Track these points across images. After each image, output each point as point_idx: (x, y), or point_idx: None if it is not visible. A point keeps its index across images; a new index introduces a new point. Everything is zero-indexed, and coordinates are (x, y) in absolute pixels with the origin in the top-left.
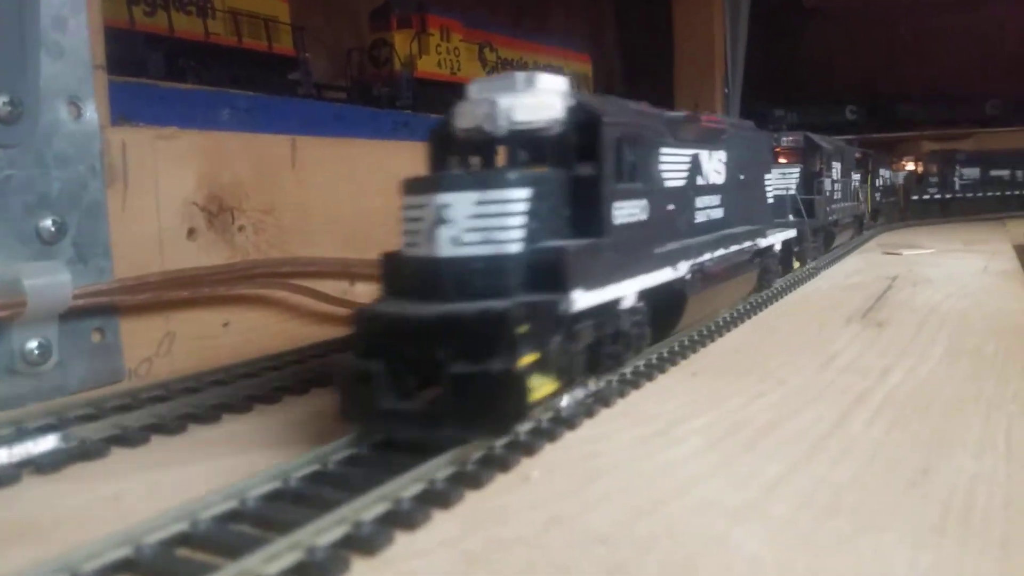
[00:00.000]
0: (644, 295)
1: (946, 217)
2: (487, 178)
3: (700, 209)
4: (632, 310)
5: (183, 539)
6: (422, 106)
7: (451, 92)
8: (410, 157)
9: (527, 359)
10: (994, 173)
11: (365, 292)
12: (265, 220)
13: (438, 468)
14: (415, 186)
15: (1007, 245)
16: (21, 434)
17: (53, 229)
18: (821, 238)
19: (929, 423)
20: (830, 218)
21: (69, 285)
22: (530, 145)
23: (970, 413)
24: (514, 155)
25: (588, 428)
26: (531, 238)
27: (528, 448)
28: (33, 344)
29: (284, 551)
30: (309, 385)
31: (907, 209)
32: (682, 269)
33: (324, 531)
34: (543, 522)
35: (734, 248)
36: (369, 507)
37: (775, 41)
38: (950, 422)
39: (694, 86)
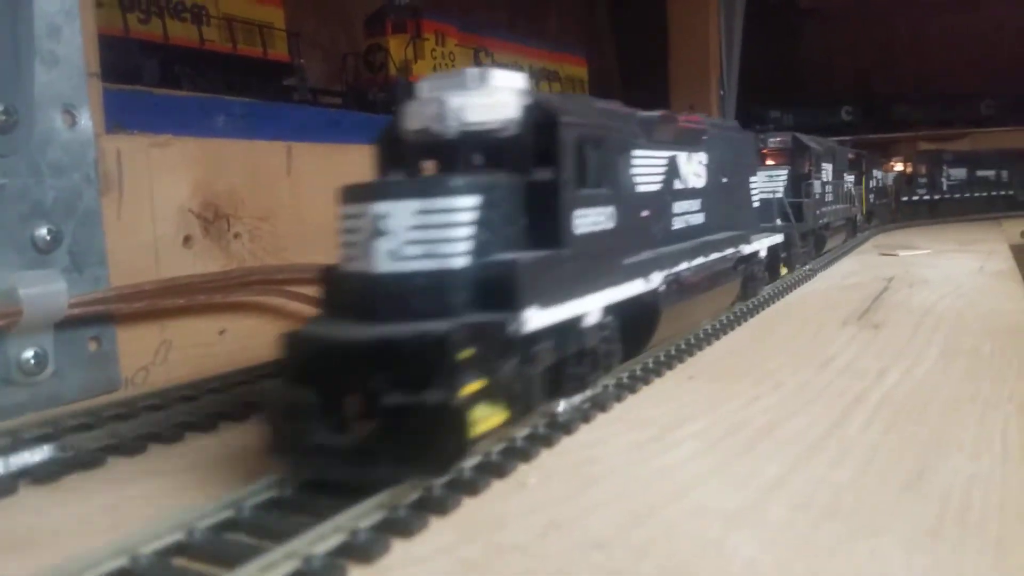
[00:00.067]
0: (612, 310)
1: (934, 218)
2: (429, 185)
3: (678, 215)
4: (599, 326)
5: (180, 549)
6: None
7: None
8: None
9: (471, 388)
10: (980, 174)
11: None
12: (261, 227)
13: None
14: (352, 194)
15: (1003, 245)
16: (17, 444)
17: (48, 238)
18: (811, 242)
19: (926, 424)
20: (820, 221)
21: (65, 294)
22: (483, 148)
23: (966, 414)
24: (466, 159)
25: (585, 433)
26: (480, 251)
27: (525, 454)
28: (29, 353)
29: (281, 560)
30: None
31: (898, 211)
32: (655, 280)
33: (321, 540)
34: (541, 528)
35: (714, 256)
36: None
37: (771, 42)
38: (947, 423)
39: (690, 88)
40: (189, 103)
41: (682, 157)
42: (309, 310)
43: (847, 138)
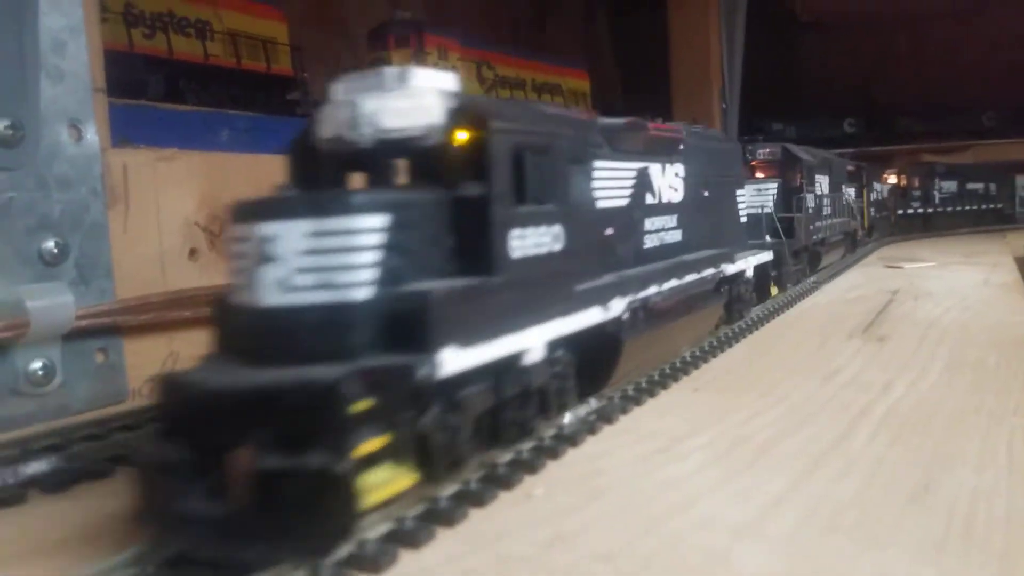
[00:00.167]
0: (563, 343)
1: (928, 232)
2: (324, 202)
3: (650, 232)
4: (548, 362)
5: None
6: None
7: None
8: None
9: (366, 447)
10: (970, 187)
11: None
12: None
13: None
14: (240, 212)
15: (1008, 257)
16: (26, 454)
17: (55, 251)
18: (805, 259)
19: (930, 437)
20: (814, 237)
21: (72, 306)
22: (403, 158)
23: (971, 427)
24: (384, 171)
25: (591, 445)
26: (389, 280)
27: (531, 466)
28: (37, 365)
29: (290, 570)
30: None
31: (896, 224)
32: (616, 308)
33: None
34: (546, 540)
35: (692, 277)
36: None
37: (773, 55)
38: (952, 436)
39: (692, 101)
40: (194, 117)
41: (655, 169)
42: None
43: (850, 150)
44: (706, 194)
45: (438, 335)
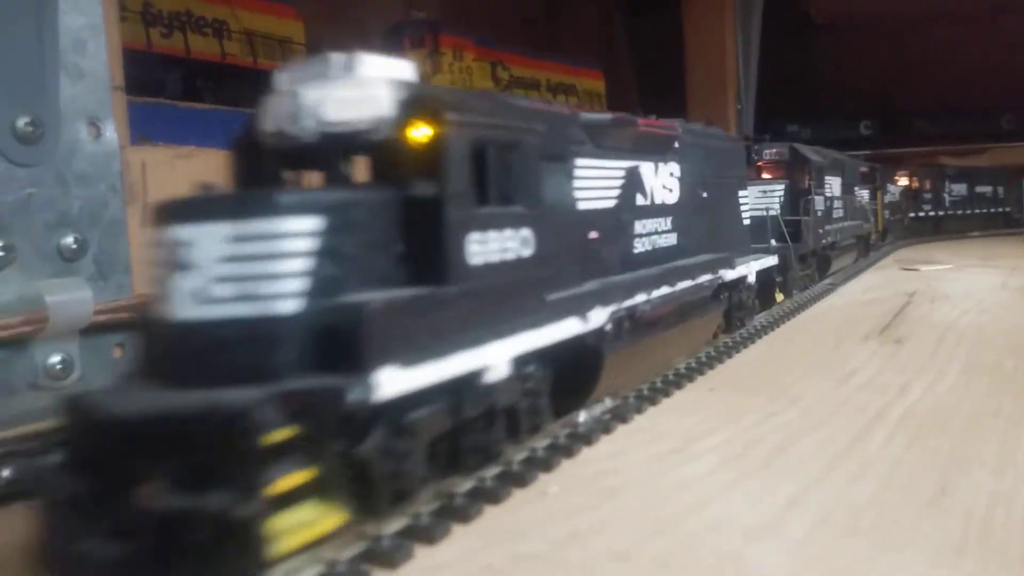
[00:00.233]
0: (536, 358)
1: (938, 235)
2: (247, 203)
3: (641, 236)
4: (517, 379)
5: None
6: None
7: None
8: None
9: (285, 483)
10: (979, 190)
11: None
12: None
13: None
14: (158, 214)
15: None
16: (46, 448)
17: (74, 247)
18: (814, 264)
19: (948, 440)
20: (823, 241)
21: (90, 301)
22: (350, 154)
23: (989, 430)
24: (330, 168)
25: (605, 444)
26: (322, 290)
27: (546, 464)
28: (56, 359)
29: (305, 566)
30: None
31: (909, 227)
32: (597, 318)
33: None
34: (561, 538)
35: (686, 283)
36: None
37: (788, 57)
38: (969, 439)
39: (707, 102)
40: (211, 115)
41: (646, 168)
42: None
43: (865, 152)
44: (705, 195)
45: (375, 353)
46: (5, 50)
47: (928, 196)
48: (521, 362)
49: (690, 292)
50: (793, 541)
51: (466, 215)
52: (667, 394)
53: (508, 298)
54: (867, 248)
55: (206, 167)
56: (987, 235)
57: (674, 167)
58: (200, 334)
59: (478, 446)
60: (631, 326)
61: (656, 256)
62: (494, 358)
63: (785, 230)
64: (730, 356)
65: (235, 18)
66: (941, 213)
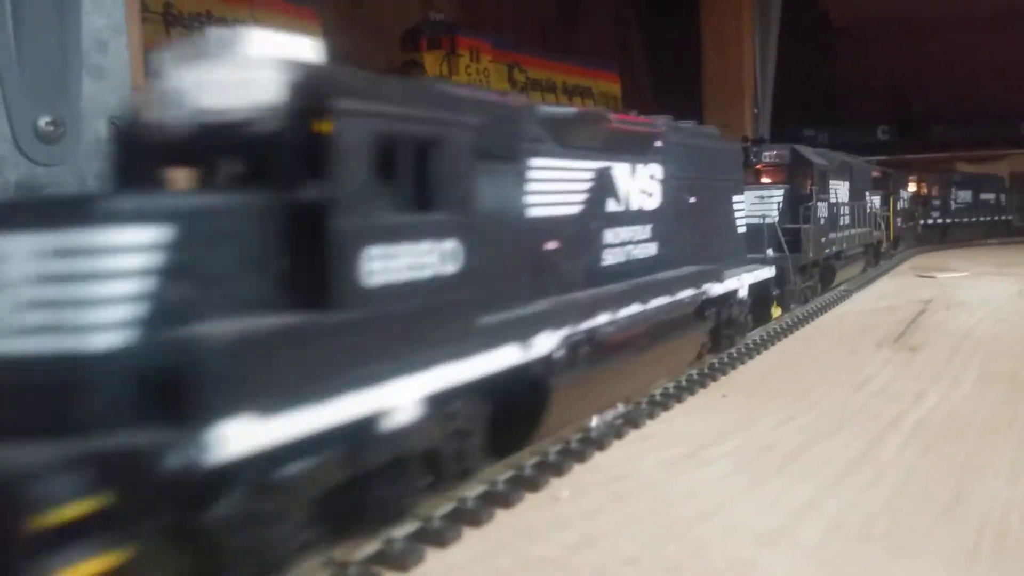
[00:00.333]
0: (463, 394)
1: (946, 243)
2: (65, 209)
3: (612, 246)
4: (441, 417)
5: None
6: None
7: None
8: None
9: (85, 569)
10: (983, 197)
11: None
12: None
13: None
14: None
15: None
16: None
17: None
18: (816, 275)
19: (963, 448)
20: (827, 251)
21: None
22: (230, 150)
23: (1004, 438)
24: (206, 166)
25: (618, 449)
26: (161, 320)
27: (558, 468)
28: None
29: (317, 568)
30: None
31: (919, 236)
32: (543, 344)
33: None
34: (573, 542)
35: (661, 300)
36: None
37: (806, 61)
38: (984, 447)
39: (724, 106)
40: None
41: (620, 169)
42: None
43: (883, 157)
44: (692, 200)
45: (217, 400)
46: (28, 50)
47: (937, 203)
48: (443, 399)
49: (667, 309)
50: (806, 547)
51: (363, 224)
52: (680, 399)
53: (422, 324)
54: (877, 257)
55: None
56: (1004, 243)
57: (655, 169)
58: None
59: (383, 501)
60: (591, 351)
61: (631, 269)
62: (400, 397)
63: (783, 239)
64: (743, 362)
65: (254, 19)
66: (949, 221)
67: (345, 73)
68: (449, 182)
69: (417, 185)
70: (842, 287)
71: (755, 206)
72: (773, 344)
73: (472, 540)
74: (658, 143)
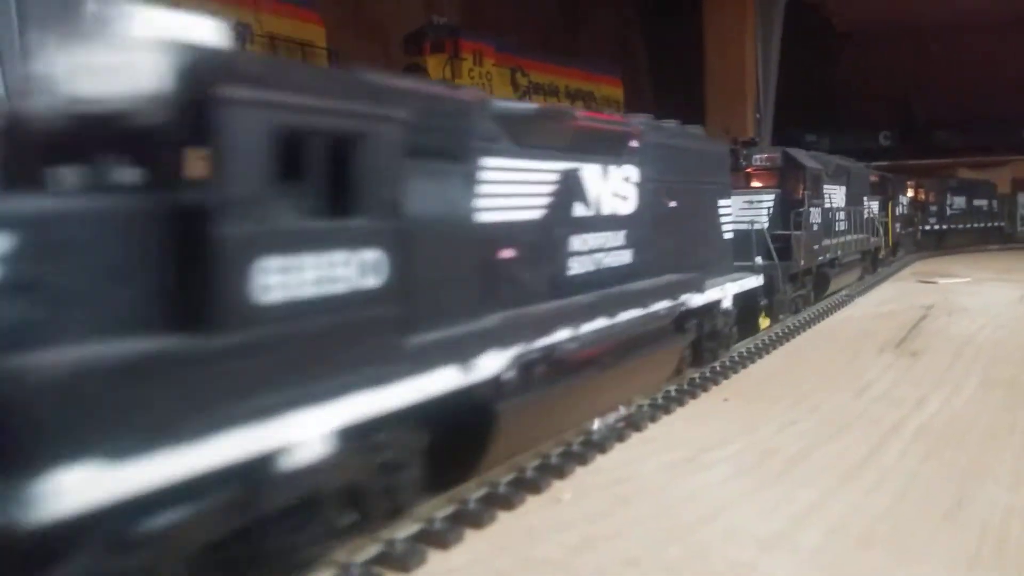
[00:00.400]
0: (393, 423)
1: (942, 249)
2: None
3: (580, 254)
4: (366, 450)
5: None
6: None
7: None
8: None
9: None
10: (976, 203)
11: None
12: None
13: None
14: None
15: None
16: None
17: None
18: (809, 284)
19: (964, 454)
20: (820, 258)
21: None
22: (109, 143)
23: (1005, 445)
24: (88, 162)
25: (619, 452)
26: None
27: (559, 470)
28: None
29: (318, 570)
30: None
31: (918, 242)
32: (488, 365)
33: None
34: (574, 544)
35: (632, 313)
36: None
37: (808, 65)
38: (985, 453)
39: (726, 110)
40: None
41: (590, 171)
42: None
43: (884, 163)
44: (672, 205)
45: (49, 444)
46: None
47: (934, 208)
48: (364, 430)
49: (640, 322)
50: (807, 552)
51: (256, 232)
52: (681, 403)
53: (334, 346)
54: (875, 264)
55: None
56: (1005, 248)
57: (631, 171)
58: None
59: (290, 546)
60: (548, 370)
61: (601, 278)
62: (304, 430)
63: (772, 246)
64: (744, 367)
65: (258, 22)
66: (944, 227)
67: (242, 58)
68: (372, 184)
69: (331, 187)
70: (843, 292)
71: (744, 211)
72: (775, 348)
73: (474, 541)
74: (634, 143)
